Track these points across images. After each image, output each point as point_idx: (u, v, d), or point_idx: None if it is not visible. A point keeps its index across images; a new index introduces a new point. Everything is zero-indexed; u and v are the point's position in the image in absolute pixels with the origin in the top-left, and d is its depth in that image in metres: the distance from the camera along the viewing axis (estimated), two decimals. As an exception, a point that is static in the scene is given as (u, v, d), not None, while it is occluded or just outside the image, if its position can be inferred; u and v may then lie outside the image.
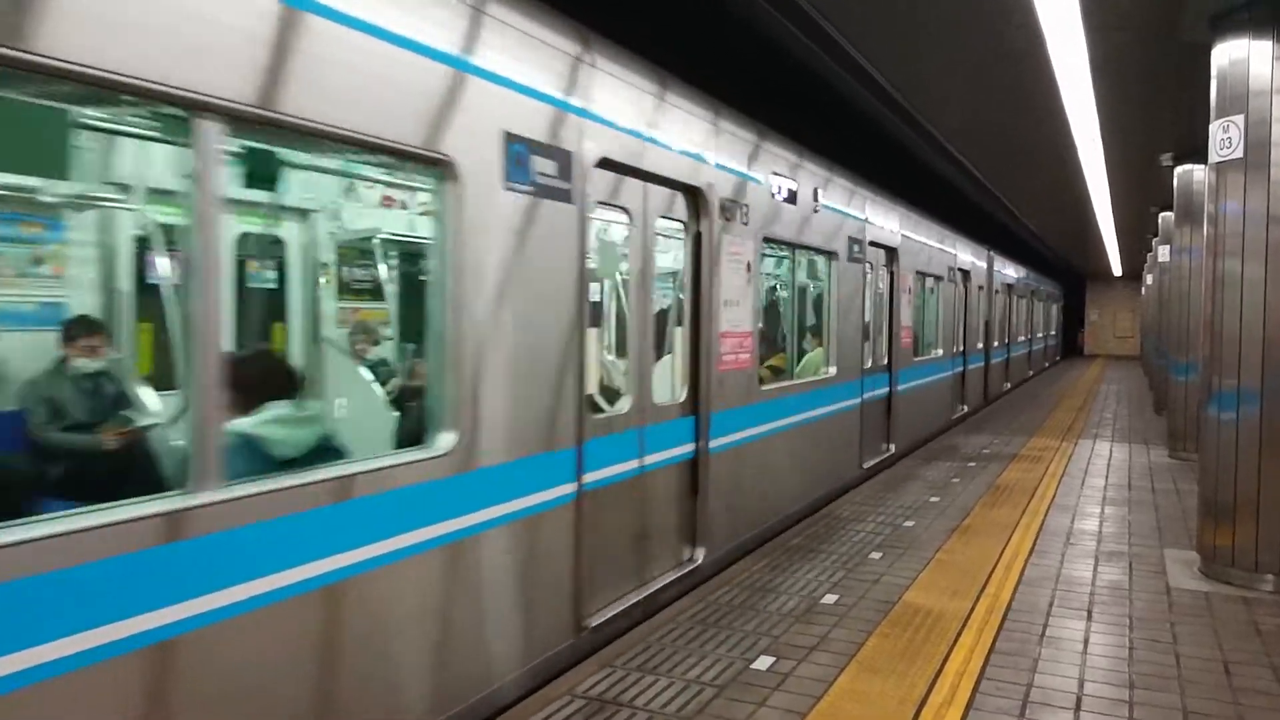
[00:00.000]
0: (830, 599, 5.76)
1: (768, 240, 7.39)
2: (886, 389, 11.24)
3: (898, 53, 8.50)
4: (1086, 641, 5.13)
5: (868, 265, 10.36)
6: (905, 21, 7.61)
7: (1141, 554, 7.02)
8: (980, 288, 17.96)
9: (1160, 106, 9.90)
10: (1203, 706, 4.32)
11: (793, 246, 8.31)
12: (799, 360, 9.13)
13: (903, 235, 11.74)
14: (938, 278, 14.08)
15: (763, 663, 4.72)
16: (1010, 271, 22.21)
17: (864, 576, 6.26)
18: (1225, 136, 6.17)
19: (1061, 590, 6.06)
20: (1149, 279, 25.28)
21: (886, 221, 11.04)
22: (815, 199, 8.43)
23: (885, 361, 11.25)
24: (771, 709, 4.19)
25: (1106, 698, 4.39)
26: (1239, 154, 6.10)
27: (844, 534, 7.42)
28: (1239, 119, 6.09)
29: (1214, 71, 6.30)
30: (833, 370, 9.11)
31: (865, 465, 10.25)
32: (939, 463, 11.10)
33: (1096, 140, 11.69)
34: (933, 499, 8.88)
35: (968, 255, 16.56)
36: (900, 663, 4.74)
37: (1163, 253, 16.33)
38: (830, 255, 9.13)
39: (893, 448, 11.44)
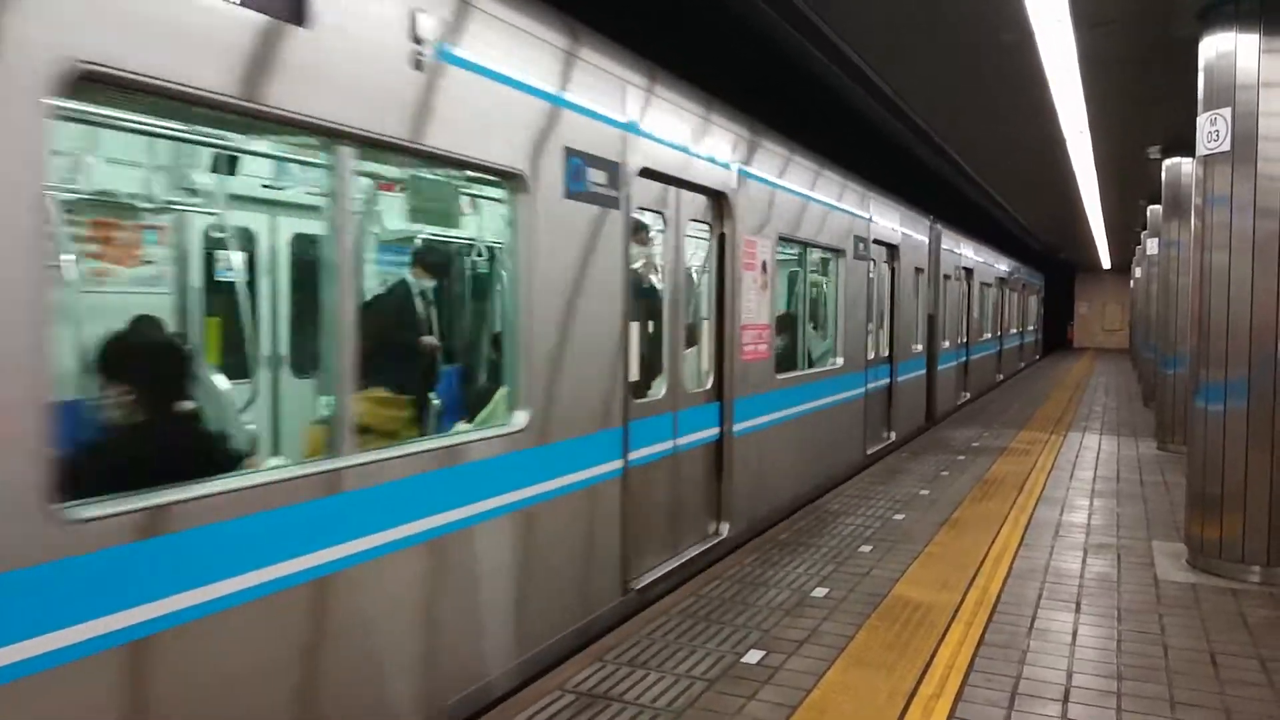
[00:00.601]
0: (820, 592, 5.77)
1: (181, 100, 2.97)
2: (714, 431, 6.90)
3: (881, 35, 8.41)
4: (1075, 634, 5.15)
5: (642, 217, 6.04)
6: (899, 14, 7.61)
7: (1130, 546, 7.05)
8: (919, 270, 13.57)
9: (1149, 99, 9.94)
10: (1190, 698, 4.34)
11: (331, 137, 3.52)
12: (471, 408, 5.56)
13: (743, 173, 7.16)
14: (836, 251, 9.66)
15: (753, 656, 4.73)
16: (969, 252, 18.01)
17: (854, 570, 6.27)
18: (1212, 130, 6.19)
19: (1050, 583, 6.08)
20: (1138, 272, 25.37)
21: (701, 143, 6.47)
22: (415, 38, 3.84)
23: (711, 387, 6.91)
24: (761, 702, 4.20)
25: (1095, 689, 4.41)
26: (1226, 147, 6.13)
27: (834, 528, 7.44)
28: (1226, 112, 6.11)
29: (1201, 65, 6.32)
30: (521, 420, 4.59)
31: (640, 584, 5.76)
32: (929, 456, 11.12)
33: (1085, 133, 11.72)
34: (923, 492, 8.90)
35: (892, 223, 11.84)
36: (889, 655, 4.76)
37: (1151, 246, 16.40)
38: (510, 182, 4.56)
39: (724, 529, 6.98)
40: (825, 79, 10.04)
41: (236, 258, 5.54)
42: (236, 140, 5.03)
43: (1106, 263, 37.07)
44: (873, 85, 9.87)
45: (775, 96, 10.69)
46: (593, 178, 5.18)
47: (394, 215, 6.14)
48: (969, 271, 18.16)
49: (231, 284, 5.55)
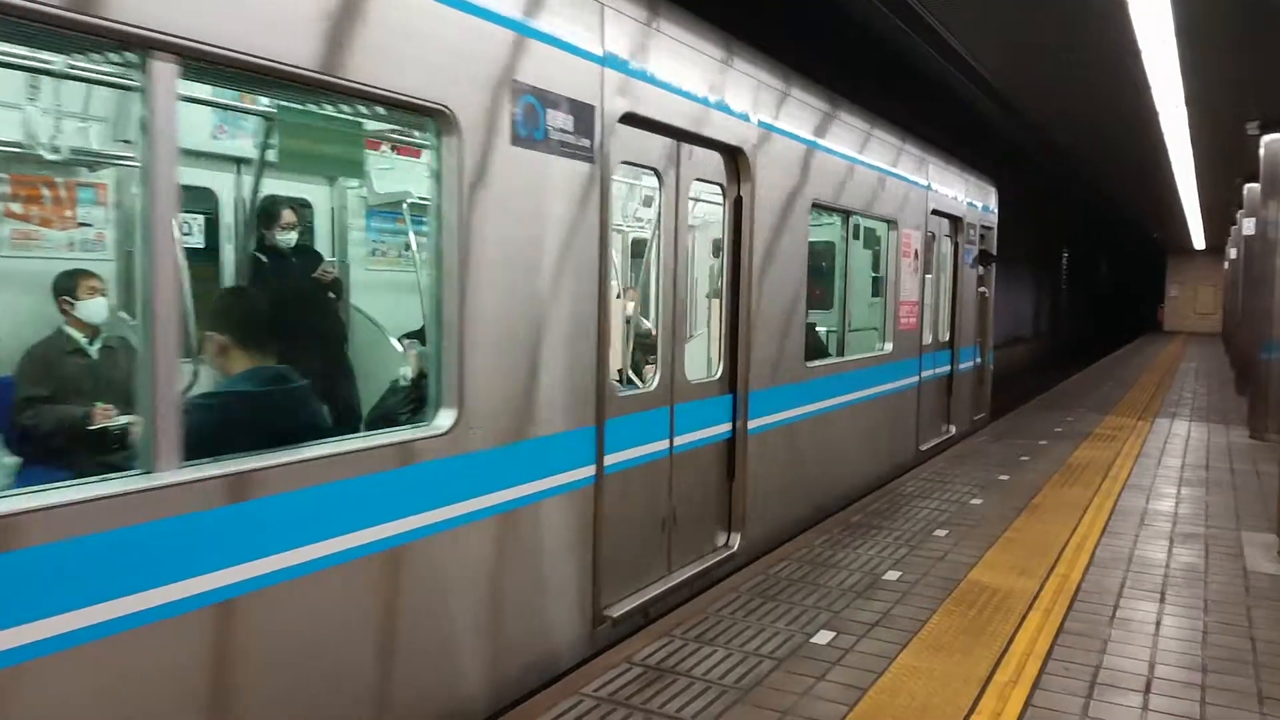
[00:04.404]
0: (892, 575, 5.69)
1: None
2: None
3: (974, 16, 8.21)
4: (1158, 624, 5.00)
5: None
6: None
7: (1218, 536, 6.82)
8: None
9: (1247, 73, 9.54)
10: (1278, 691, 4.18)
11: None
12: None
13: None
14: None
15: (822, 637, 4.69)
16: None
17: (928, 554, 6.17)
18: (1318, 102, 5.90)
19: (1134, 572, 5.91)
20: (1232, 253, 24.43)
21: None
22: None
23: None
24: (831, 683, 4.16)
25: (1178, 680, 4.28)
26: (1332, 121, 5.84)
27: (908, 511, 7.33)
28: (1333, 84, 5.82)
29: (1307, 34, 6.03)
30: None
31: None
32: (1010, 440, 10.89)
33: (1180, 107, 11.30)
34: (1002, 477, 8.72)
35: None
36: (965, 641, 4.68)
37: (1247, 225, 15.76)
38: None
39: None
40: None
41: None
42: None
43: (1200, 243, 35.84)
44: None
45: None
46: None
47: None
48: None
49: None
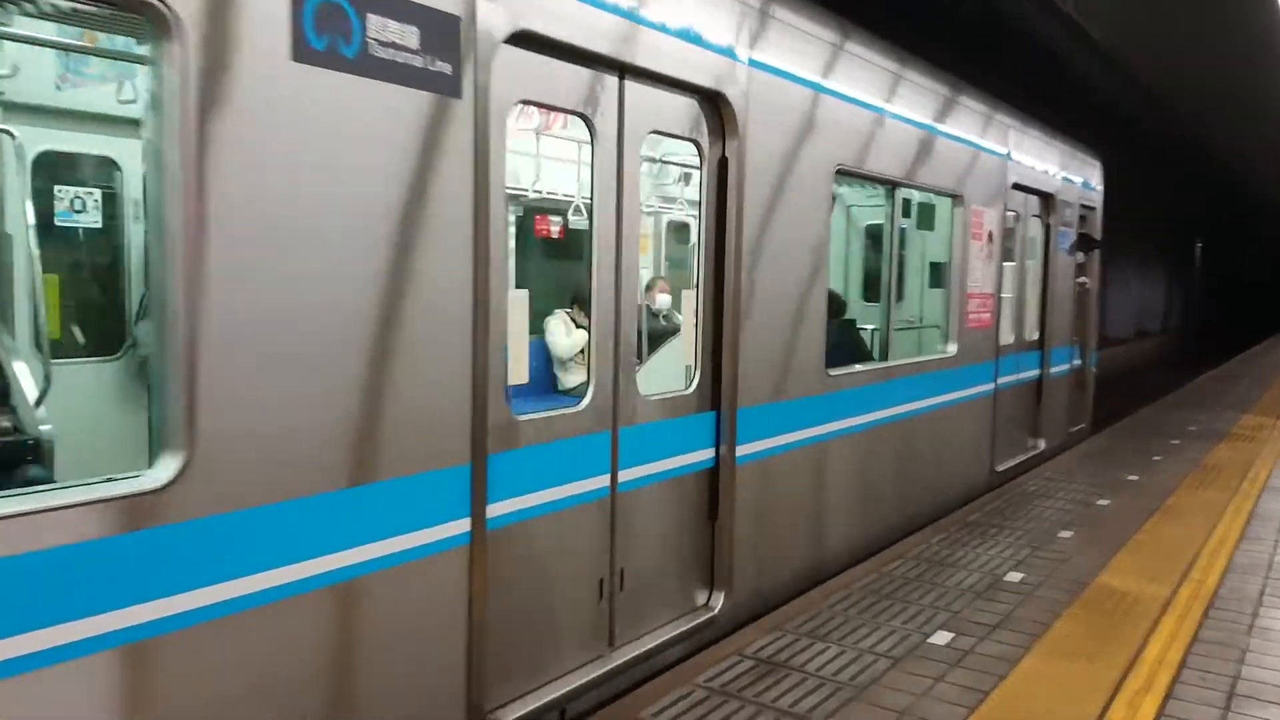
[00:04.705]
0: (1014, 576, 5.51)
1: None
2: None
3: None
4: (1304, 635, 4.73)
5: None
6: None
7: (1372, 544, 6.40)
8: None
9: None
10: None
11: None
12: None
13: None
14: None
15: (940, 637, 4.57)
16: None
17: (1052, 555, 5.95)
18: None
19: (1275, 579, 5.59)
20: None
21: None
22: None
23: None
24: (951, 685, 4.05)
25: (1327, 697, 4.03)
26: None
27: (1030, 510, 7.09)
28: None
29: None
30: None
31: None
32: (1139, 440, 10.42)
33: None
34: (1131, 477, 8.35)
35: None
36: (1092, 646, 4.49)
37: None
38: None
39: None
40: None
41: None
42: None
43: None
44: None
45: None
46: None
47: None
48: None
49: None
